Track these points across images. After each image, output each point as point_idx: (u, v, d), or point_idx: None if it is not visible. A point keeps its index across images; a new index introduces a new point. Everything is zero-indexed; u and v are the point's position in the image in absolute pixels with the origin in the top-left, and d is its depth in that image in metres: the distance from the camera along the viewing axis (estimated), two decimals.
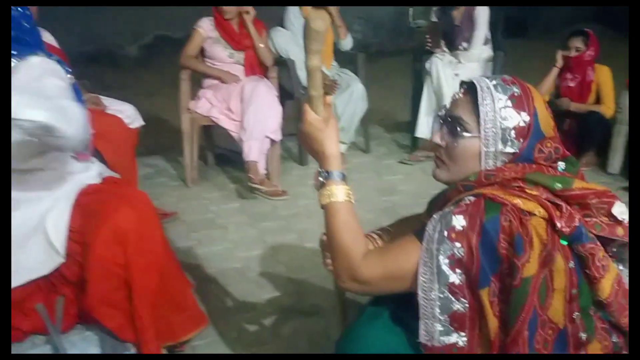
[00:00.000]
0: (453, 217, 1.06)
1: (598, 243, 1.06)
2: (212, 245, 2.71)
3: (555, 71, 3.63)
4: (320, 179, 1.19)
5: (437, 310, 1.07)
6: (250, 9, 3.36)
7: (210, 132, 3.70)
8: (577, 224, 1.04)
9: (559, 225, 1.03)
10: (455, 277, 1.05)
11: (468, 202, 1.07)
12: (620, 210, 1.08)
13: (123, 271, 1.59)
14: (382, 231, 1.47)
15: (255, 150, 3.17)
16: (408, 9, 7.55)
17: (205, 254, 2.62)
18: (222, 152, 3.86)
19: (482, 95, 1.10)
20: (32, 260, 1.63)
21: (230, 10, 3.31)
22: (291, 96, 3.65)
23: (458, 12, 3.78)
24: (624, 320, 1.07)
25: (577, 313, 1.05)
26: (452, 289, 1.06)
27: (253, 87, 3.21)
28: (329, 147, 1.18)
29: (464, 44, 3.78)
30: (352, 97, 3.63)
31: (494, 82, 1.12)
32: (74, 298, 1.73)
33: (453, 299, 1.06)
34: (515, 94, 1.10)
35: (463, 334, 1.07)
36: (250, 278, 2.43)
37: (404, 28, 7.54)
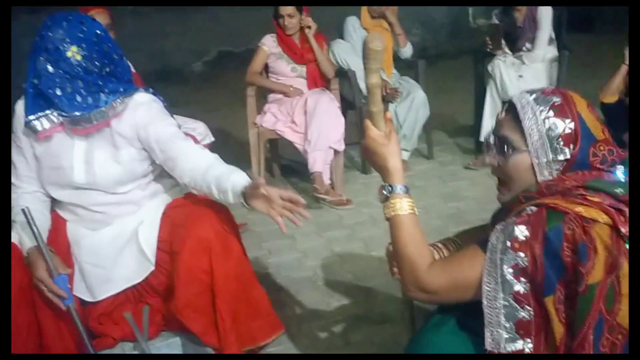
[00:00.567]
0: (515, 227, 1.09)
1: None
2: (282, 255, 2.80)
3: (624, 69, 3.49)
4: (385, 192, 1.24)
5: (503, 318, 1.09)
6: (311, 23, 3.46)
7: (275, 144, 3.82)
8: None
9: (623, 230, 1.03)
10: (519, 286, 1.08)
11: (530, 212, 1.10)
12: None
13: (207, 277, 1.70)
14: (447, 241, 1.50)
15: (319, 161, 3.25)
16: (468, 9, 7.46)
17: (276, 263, 2.71)
18: (287, 164, 3.96)
19: (523, 111, 1.15)
20: (127, 270, 1.79)
21: (292, 27, 3.42)
22: (353, 106, 3.71)
23: (520, 13, 3.72)
24: None
25: None
26: (517, 297, 1.08)
27: (316, 100, 3.30)
28: (391, 162, 1.23)
29: (528, 45, 3.72)
30: (413, 104, 3.65)
31: (534, 95, 1.16)
32: (159, 307, 1.86)
33: (518, 307, 1.08)
34: (556, 103, 1.13)
35: (529, 340, 1.09)
36: (319, 286, 2.50)
37: (464, 29, 7.45)
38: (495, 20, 3.87)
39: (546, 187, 1.12)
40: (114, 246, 1.80)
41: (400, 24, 3.83)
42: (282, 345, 2.07)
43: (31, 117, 1.67)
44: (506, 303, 1.09)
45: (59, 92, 1.63)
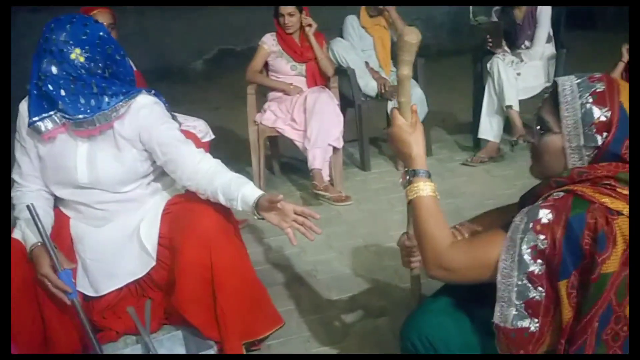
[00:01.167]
0: (540, 210, 1.11)
1: None
2: (282, 250, 2.83)
3: (621, 66, 3.51)
4: (408, 177, 1.30)
5: (514, 295, 1.12)
6: (312, 22, 3.49)
7: (275, 142, 3.85)
8: None
9: None
10: (535, 267, 1.11)
11: (557, 197, 1.12)
12: None
13: (207, 272, 1.74)
14: (462, 225, 1.55)
15: (319, 158, 3.28)
16: (469, 7, 7.47)
17: (276, 258, 2.75)
18: (287, 161, 4.00)
19: (563, 94, 1.16)
20: (129, 265, 1.82)
21: (292, 25, 3.45)
22: (352, 104, 3.74)
23: (519, 11, 3.75)
24: None
25: None
26: (532, 277, 1.11)
27: (315, 98, 3.34)
28: (416, 149, 1.29)
29: (527, 43, 3.75)
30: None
31: (579, 80, 1.16)
32: (161, 301, 1.90)
33: (531, 287, 1.11)
34: (598, 90, 1.13)
35: (536, 320, 1.12)
36: (319, 281, 2.53)
37: (464, 27, 7.46)
38: (495, 19, 3.90)
39: (578, 174, 1.13)
40: (116, 242, 1.83)
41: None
42: (283, 338, 2.10)
43: (35, 119, 1.70)
44: (520, 282, 1.12)
45: (62, 94, 1.66)
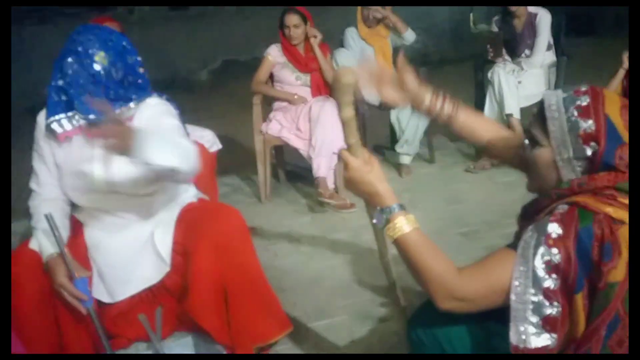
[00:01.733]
0: (549, 224, 1.10)
1: None
2: (288, 257, 2.88)
3: (621, 73, 3.55)
4: (385, 216, 1.22)
5: (530, 313, 1.10)
6: (317, 33, 3.56)
7: (281, 151, 3.90)
8: None
9: None
10: (550, 282, 1.09)
11: (562, 210, 1.12)
12: None
13: (220, 278, 1.78)
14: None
15: (323, 167, 3.33)
16: (469, 15, 7.52)
17: (282, 265, 2.79)
18: (292, 169, 4.05)
19: (549, 109, 1.17)
20: (144, 271, 1.86)
21: (297, 37, 3.52)
22: (355, 112, 3.78)
23: (519, 20, 3.80)
24: None
25: None
26: (547, 293, 1.09)
27: (320, 107, 3.39)
28: (380, 185, 1.23)
29: (527, 52, 3.79)
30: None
31: (565, 94, 1.18)
32: (172, 307, 1.93)
33: (547, 303, 1.09)
34: (583, 103, 1.15)
35: (555, 335, 1.10)
36: (325, 287, 2.57)
37: (465, 35, 7.52)
38: (495, 28, 3.95)
39: (578, 185, 1.14)
40: (131, 249, 1.87)
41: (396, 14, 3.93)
42: (290, 343, 2.15)
43: (51, 119, 1.75)
44: (535, 298, 1.09)
45: (79, 94, 1.72)
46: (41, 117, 1.83)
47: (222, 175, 3.84)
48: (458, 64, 6.67)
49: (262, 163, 3.58)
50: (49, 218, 1.64)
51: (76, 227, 1.91)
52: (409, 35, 3.91)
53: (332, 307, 2.40)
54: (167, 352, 1.88)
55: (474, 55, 4.47)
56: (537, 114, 1.22)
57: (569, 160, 1.16)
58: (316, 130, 3.34)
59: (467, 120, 1.49)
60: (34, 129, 1.85)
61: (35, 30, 6.69)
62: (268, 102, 3.70)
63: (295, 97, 3.55)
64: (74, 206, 1.91)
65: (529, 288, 1.09)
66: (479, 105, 3.90)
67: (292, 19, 3.50)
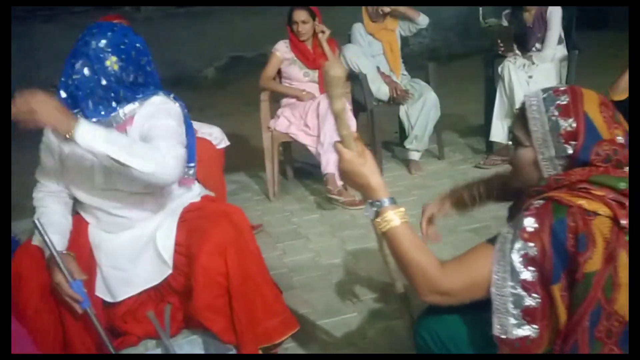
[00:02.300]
0: (524, 219, 1.15)
1: None
2: (297, 255, 2.86)
3: None
4: (375, 209, 1.25)
5: (510, 305, 1.14)
6: (325, 28, 3.53)
7: (289, 147, 3.88)
8: None
9: (623, 222, 1.08)
10: (528, 274, 1.13)
11: (537, 205, 1.16)
12: None
13: (224, 280, 1.76)
14: (472, 185, 1.64)
15: (332, 163, 3.30)
16: (478, 9, 7.47)
17: (291, 263, 2.77)
18: (300, 166, 4.04)
19: (530, 109, 1.21)
20: (145, 272, 1.85)
21: (305, 33, 3.50)
22: (364, 109, 3.77)
23: (529, 14, 3.75)
24: None
25: None
26: (525, 285, 1.13)
27: (328, 103, 3.35)
28: (372, 179, 1.25)
29: (537, 45, 3.75)
30: (425, 106, 3.70)
31: (545, 94, 1.22)
32: (180, 306, 1.92)
33: (525, 294, 1.13)
34: (562, 103, 1.19)
35: (535, 326, 1.14)
36: (334, 284, 2.56)
37: (474, 29, 7.46)
38: (505, 22, 3.91)
39: (554, 181, 1.18)
40: (132, 249, 1.86)
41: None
42: (299, 341, 2.13)
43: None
44: (514, 291, 1.14)
45: (87, 97, 1.71)
46: None
47: (229, 172, 3.83)
48: (466, 59, 6.64)
49: (270, 160, 3.56)
50: (37, 224, 1.63)
51: (81, 225, 1.90)
52: (422, 20, 3.84)
53: (342, 305, 2.39)
54: (176, 349, 1.87)
55: (482, 50, 4.44)
56: (519, 115, 1.25)
57: (550, 159, 1.20)
58: (324, 127, 3.32)
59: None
60: None
61: (42, 29, 6.70)
62: (275, 99, 3.68)
63: (304, 93, 3.52)
64: (78, 203, 1.91)
65: (508, 281, 1.14)
66: (489, 101, 3.87)
67: (301, 15, 3.48)
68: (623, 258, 1.08)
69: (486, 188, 1.64)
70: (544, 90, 1.24)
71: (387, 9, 3.77)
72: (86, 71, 1.71)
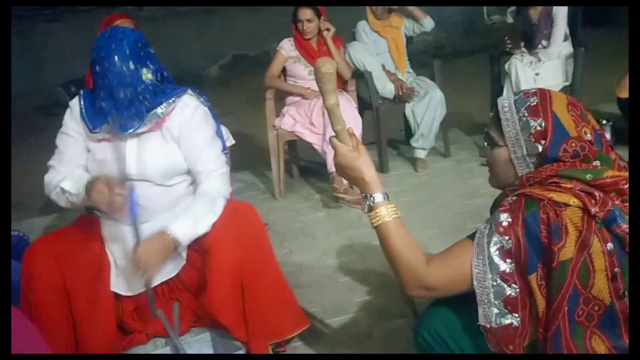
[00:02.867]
0: (500, 214, 1.21)
1: None
2: (303, 253, 2.86)
3: None
4: (368, 203, 1.30)
5: (492, 296, 1.20)
6: (330, 26, 3.53)
7: (294, 146, 3.88)
8: (610, 207, 1.15)
9: (593, 211, 1.15)
10: (505, 266, 1.20)
11: (511, 201, 1.22)
12: None
13: (237, 274, 1.78)
14: None
15: None
16: (482, 7, 7.46)
17: (298, 262, 2.77)
18: (306, 165, 4.03)
19: (503, 111, 1.28)
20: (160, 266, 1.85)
21: (310, 31, 3.49)
22: (369, 107, 3.76)
23: (535, 11, 3.74)
24: None
25: (623, 290, 1.15)
26: (504, 276, 1.20)
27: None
28: (367, 173, 1.29)
29: (544, 42, 3.74)
30: (431, 103, 3.69)
31: (516, 97, 1.29)
32: (189, 303, 1.93)
33: (505, 285, 1.20)
34: (532, 104, 1.25)
35: (516, 315, 1.20)
36: (341, 283, 2.56)
37: (478, 26, 7.46)
38: (510, 19, 3.89)
39: (526, 179, 1.25)
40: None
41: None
42: (307, 339, 2.13)
43: (96, 130, 1.77)
44: (494, 282, 1.20)
45: (122, 115, 1.73)
46: (74, 103, 1.84)
47: (235, 171, 3.82)
48: (471, 56, 6.63)
49: (275, 158, 3.56)
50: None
51: (92, 222, 1.91)
52: (428, 23, 3.85)
53: (349, 303, 2.39)
54: (185, 347, 1.87)
55: (487, 47, 4.43)
56: (493, 117, 1.32)
57: (523, 158, 1.26)
58: (330, 125, 3.30)
59: None
60: (66, 112, 1.86)
61: (46, 28, 6.72)
62: (280, 97, 3.68)
63: (309, 91, 3.52)
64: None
65: (488, 274, 1.20)
66: (495, 98, 3.83)
67: (306, 14, 3.47)
68: (596, 245, 1.14)
69: None
70: (516, 93, 1.31)
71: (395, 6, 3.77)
72: (122, 94, 1.71)
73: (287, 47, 3.57)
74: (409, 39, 3.96)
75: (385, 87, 3.76)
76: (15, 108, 2.93)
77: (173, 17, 7.07)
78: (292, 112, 3.52)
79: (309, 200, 3.56)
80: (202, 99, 1.93)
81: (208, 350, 1.94)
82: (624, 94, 3.47)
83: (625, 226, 1.14)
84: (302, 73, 3.56)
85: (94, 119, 1.77)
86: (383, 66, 3.82)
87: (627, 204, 1.18)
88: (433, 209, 3.20)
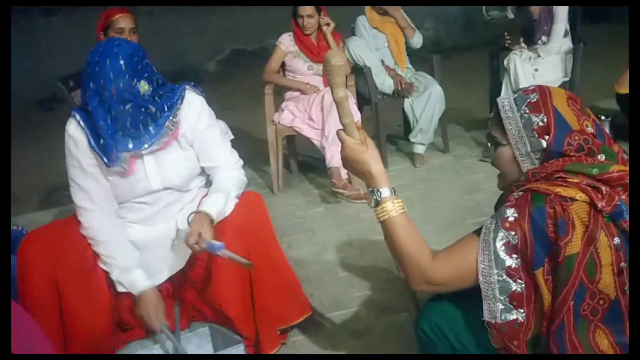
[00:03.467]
0: (506, 209, 1.21)
1: None
2: (302, 248, 2.86)
3: None
4: (375, 197, 1.29)
5: (497, 292, 1.20)
6: (330, 21, 3.52)
7: (293, 141, 3.88)
8: (617, 202, 1.15)
9: (599, 205, 1.15)
10: (511, 262, 1.20)
11: (517, 196, 1.22)
12: None
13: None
14: None
15: (336, 157, 3.29)
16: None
17: (297, 257, 2.77)
18: (305, 160, 4.03)
19: (504, 110, 1.29)
20: (168, 260, 1.89)
21: (310, 26, 3.49)
22: (368, 102, 3.76)
23: (535, 7, 3.74)
24: None
25: (628, 285, 1.15)
26: (510, 272, 1.20)
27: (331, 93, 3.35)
28: (374, 166, 1.28)
29: (543, 38, 3.73)
30: (430, 99, 3.68)
31: (515, 95, 1.30)
32: (190, 299, 1.94)
33: (511, 281, 1.20)
34: (532, 101, 1.26)
35: (522, 310, 1.20)
36: (340, 278, 2.56)
37: (477, 22, 7.44)
38: (511, 14, 3.89)
39: (532, 175, 1.25)
40: (157, 239, 1.89)
41: (409, 17, 3.90)
42: (307, 333, 2.14)
43: (113, 165, 1.72)
44: (500, 278, 1.20)
45: (130, 135, 1.70)
46: (76, 132, 1.75)
47: None
48: (470, 52, 6.62)
49: (274, 154, 3.56)
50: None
51: None
52: (416, 42, 3.89)
53: (348, 298, 2.39)
54: (183, 342, 1.88)
55: (486, 42, 4.42)
56: (494, 117, 1.33)
57: (527, 154, 1.27)
58: (329, 120, 3.31)
59: None
60: (68, 142, 1.77)
61: (45, 23, 6.68)
62: (279, 92, 3.67)
63: (308, 86, 3.51)
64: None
65: (493, 269, 1.20)
66: (494, 93, 3.85)
67: (306, 9, 3.46)
68: (603, 239, 1.14)
69: None
70: (515, 92, 1.32)
71: (393, 12, 3.77)
72: (121, 110, 1.66)
73: (286, 42, 3.56)
74: None
75: (385, 83, 3.76)
76: (14, 103, 2.90)
77: (171, 12, 7.03)
78: (291, 107, 3.52)
79: (307, 195, 3.56)
80: (197, 91, 1.91)
81: (207, 344, 1.95)
82: (623, 90, 3.47)
83: None
84: (301, 68, 3.55)
85: (103, 149, 1.69)
86: (382, 61, 3.82)
87: None
88: (432, 204, 3.20)
